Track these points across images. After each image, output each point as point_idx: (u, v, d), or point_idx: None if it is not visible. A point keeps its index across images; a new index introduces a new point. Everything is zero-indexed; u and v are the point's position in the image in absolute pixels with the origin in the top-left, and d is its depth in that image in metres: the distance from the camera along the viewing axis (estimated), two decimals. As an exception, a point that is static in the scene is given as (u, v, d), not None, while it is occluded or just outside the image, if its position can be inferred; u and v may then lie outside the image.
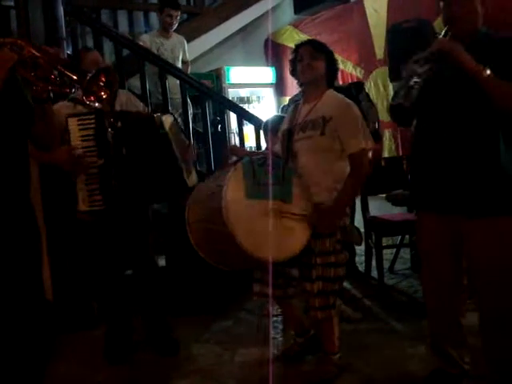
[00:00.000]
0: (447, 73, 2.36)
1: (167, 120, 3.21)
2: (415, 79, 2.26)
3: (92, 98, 2.09)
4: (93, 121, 3.05)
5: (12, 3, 3.89)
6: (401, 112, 2.43)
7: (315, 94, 2.83)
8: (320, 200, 2.71)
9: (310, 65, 2.77)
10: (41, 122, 2.22)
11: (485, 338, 2.53)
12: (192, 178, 3.27)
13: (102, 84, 2.10)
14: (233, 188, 2.53)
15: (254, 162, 2.67)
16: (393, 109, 2.49)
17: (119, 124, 3.05)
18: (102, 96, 2.11)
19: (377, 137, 3.80)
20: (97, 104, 2.10)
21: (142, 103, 3.54)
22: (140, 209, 3.27)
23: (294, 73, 2.91)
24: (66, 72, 2.03)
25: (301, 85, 2.95)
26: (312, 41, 2.93)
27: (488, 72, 2.21)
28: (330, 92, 2.85)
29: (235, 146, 4.44)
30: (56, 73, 2.04)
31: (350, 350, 3.06)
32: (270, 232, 2.54)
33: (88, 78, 2.03)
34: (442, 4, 2.43)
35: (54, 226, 3.72)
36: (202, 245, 2.68)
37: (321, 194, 2.72)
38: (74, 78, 2.03)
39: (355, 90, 4.11)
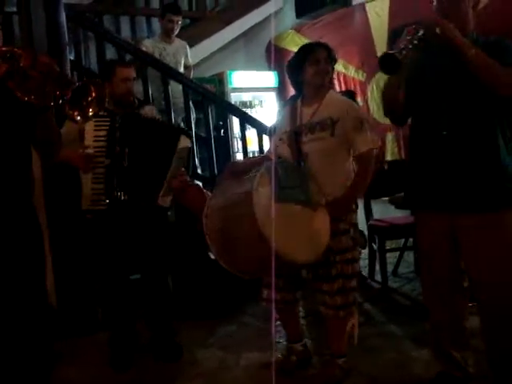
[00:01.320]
0: (443, 67, 2.38)
1: (183, 142, 3.27)
2: (411, 45, 2.23)
3: (76, 112, 2.02)
4: (107, 123, 3.13)
5: (15, 9, 3.90)
6: (391, 64, 2.26)
7: (317, 96, 2.86)
8: (334, 198, 2.75)
9: (325, 69, 2.82)
10: (40, 131, 2.20)
11: (487, 340, 2.53)
12: (165, 200, 3.27)
13: (90, 99, 2.03)
14: (263, 194, 2.49)
15: (277, 166, 2.64)
16: (382, 60, 2.28)
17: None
18: (87, 112, 2.03)
19: None
20: (78, 118, 2.02)
21: None
22: (149, 212, 3.28)
23: (295, 71, 2.88)
24: (52, 84, 1.97)
25: (296, 85, 2.94)
26: (326, 45, 2.91)
27: (474, 51, 2.24)
28: (332, 92, 2.92)
29: (236, 161, 4.19)
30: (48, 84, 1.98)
31: (354, 352, 3.05)
32: (302, 235, 2.55)
33: (72, 90, 1.97)
34: (434, 2, 2.43)
35: (58, 229, 3.73)
36: (223, 254, 2.59)
37: (335, 192, 2.76)
38: (57, 90, 1.97)
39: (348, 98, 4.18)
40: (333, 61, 2.87)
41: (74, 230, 3.67)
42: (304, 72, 2.84)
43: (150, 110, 3.49)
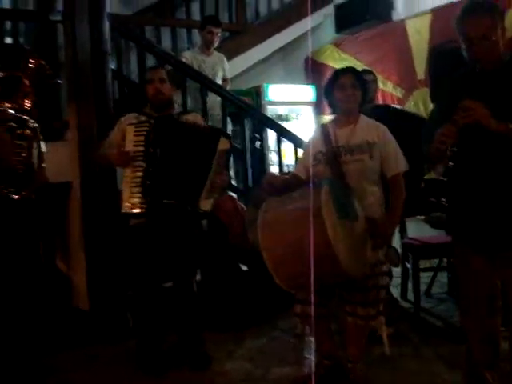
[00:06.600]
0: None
1: (223, 144, 3.32)
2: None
3: (8, 104, 1.89)
4: (146, 128, 3.21)
5: (59, 18, 3.99)
6: None
7: (350, 119, 2.97)
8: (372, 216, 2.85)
9: (353, 95, 2.92)
10: None
11: None
12: (206, 203, 3.28)
13: (28, 91, 1.92)
14: (329, 211, 2.51)
15: (334, 184, 2.72)
16: None
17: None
18: (24, 104, 1.92)
19: None
20: (13, 111, 1.88)
21: None
22: (187, 218, 3.32)
23: (328, 95, 3.02)
24: None
25: (333, 110, 3.05)
26: (352, 69, 3.04)
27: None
28: (363, 116, 3.00)
29: (273, 174, 4.14)
30: None
31: (385, 373, 3.01)
32: (357, 250, 2.62)
33: None
34: (462, 40, 2.35)
35: (95, 235, 3.78)
36: (280, 269, 2.57)
37: (369, 213, 2.84)
38: None
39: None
40: (361, 84, 2.95)
41: (111, 236, 3.72)
42: (334, 97, 2.97)
43: (193, 116, 3.52)
